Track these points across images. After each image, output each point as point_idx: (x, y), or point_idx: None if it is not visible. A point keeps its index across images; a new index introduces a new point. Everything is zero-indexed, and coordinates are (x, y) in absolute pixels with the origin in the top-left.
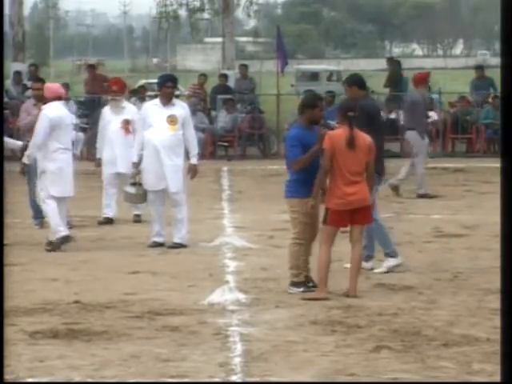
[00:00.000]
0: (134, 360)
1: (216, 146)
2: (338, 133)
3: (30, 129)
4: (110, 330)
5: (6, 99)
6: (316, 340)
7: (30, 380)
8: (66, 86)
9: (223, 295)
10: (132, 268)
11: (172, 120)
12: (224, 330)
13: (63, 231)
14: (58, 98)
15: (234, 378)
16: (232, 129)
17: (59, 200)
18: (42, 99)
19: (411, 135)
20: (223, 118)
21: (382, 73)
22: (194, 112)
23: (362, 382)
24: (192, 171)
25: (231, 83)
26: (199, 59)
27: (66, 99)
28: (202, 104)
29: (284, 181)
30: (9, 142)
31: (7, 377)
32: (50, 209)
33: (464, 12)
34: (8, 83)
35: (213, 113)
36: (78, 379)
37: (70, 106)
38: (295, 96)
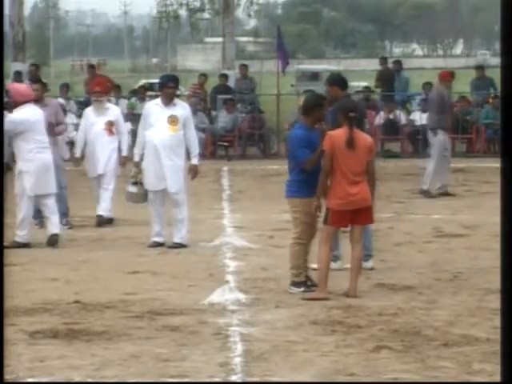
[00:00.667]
0: (134, 360)
1: (216, 145)
2: (338, 133)
3: None
4: (110, 329)
5: (6, 99)
6: (316, 340)
7: (30, 380)
8: (66, 86)
9: (223, 295)
10: (132, 268)
11: (173, 120)
12: (224, 329)
13: (22, 238)
14: (29, 101)
15: (234, 378)
16: (232, 129)
17: (40, 198)
18: (39, 100)
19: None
20: (223, 118)
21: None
22: (194, 112)
23: (361, 382)
24: (193, 171)
25: (231, 83)
26: (199, 59)
27: (67, 99)
28: (202, 104)
29: (284, 181)
30: None
31: (7, 377)
32: (25, 210)
33: (464, 12)
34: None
35: (213, 113)
36: (78, 379)
37: (71, 106)
38: (295, 96)
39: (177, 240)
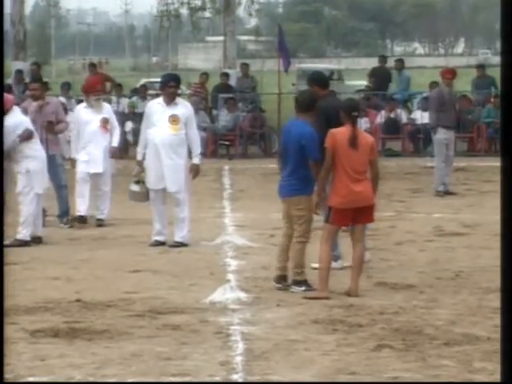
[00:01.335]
0: (134, 359)
1: (217, 144)
2: (341, 131)
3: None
4: (111, 328)
5: None
6: (317, 339)
7: (30, 379)
8: (68, 85)
9: (224, 294)
10: (133, 267)
11: (174, 119)
12: (225, 328)
13: (27, 236)
14: (12, 107)
15: (235, 377)
16: (233, 128)
17: (39, 196)
18: (38, 99)
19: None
20: (224, 117)
21: None
22: (195, 111)
23: (362, 382)
24: (194, 171)
25: (232, 82)
26: (200, 58)
27: (68, 98)
28: (204, 103)
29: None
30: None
31: (8, 375)
32: (33, 208)
33: (465, 11)
34: (9, 82)
35: (214, 112)
36: (78, 378)
37: (72, 105)
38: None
39: (178, 239)
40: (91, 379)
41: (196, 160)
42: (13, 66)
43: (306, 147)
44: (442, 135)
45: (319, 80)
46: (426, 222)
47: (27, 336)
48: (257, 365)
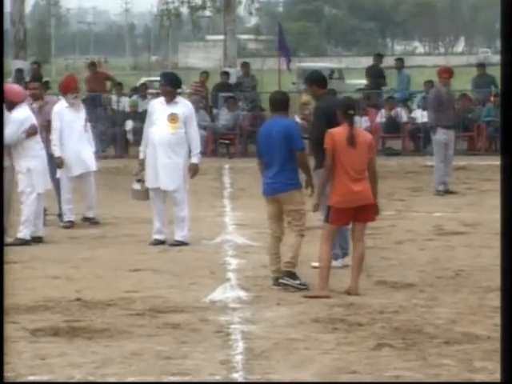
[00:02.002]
0: (135, 358)
1: (217, 143)
2: (339, 131)
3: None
4: (111, 327)
5: None
6: (317, 338)
7: (31, 378)
8: None
9: (224, 293)
10: (133, 266)
11: (173, 118)
12: (225, 327)
13: (28, 235)
14: (23, 100)
15: (235, 376)
16: (233, 126)
17: (41, 196)
18: (38, 98)
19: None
20: (224, 116)
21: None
22: (195, 110)
23: (363, 382)
24: (192, 170)
25: (233, 81)
26: (201, 57)
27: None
28: (204, 102)
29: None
30: None
31: (8, 374)
32: (34, 208)
33: (465, 10)
34: (9, 81)
35: (214, 110)
36: (78, 377)
37: None
38: (296, 94)
39: (178, 238)
40: (91, 378)
41: (195, 159)
42: (13, 65)
43: (290, 138)
44: (441, 135)
45: (318, 79)
46: (427, 221)
47: (27, 335)
48: (257, 364)
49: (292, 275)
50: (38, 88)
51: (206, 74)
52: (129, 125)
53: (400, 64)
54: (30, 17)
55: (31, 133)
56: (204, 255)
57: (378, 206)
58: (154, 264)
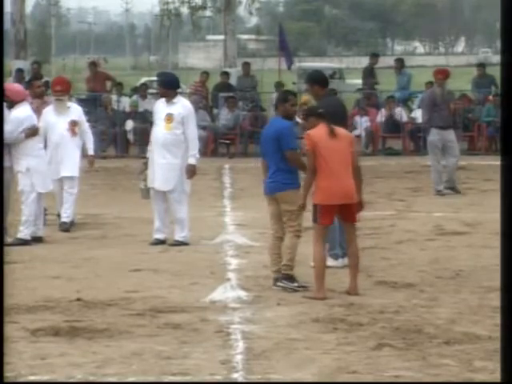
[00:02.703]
0: (135, 358)
1: (217, 143)
2: (317, 130)
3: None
4: (112, 327)
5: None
6: (318, 338)
7: (31, 378)
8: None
9: (225, 293)
10: (134, 266)
11: (168, 118)
12: (226, 327)
13: (28, 235)
14: (25, 99)
15: (235, 376)
16: (234, 126)
17: (41, 196)
18: (39, 97)
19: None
20: (225, 116)
21: (383, 70)
22: (195, 110)
23: (363, 382)
24: (189, 171)
25: (233, 81)
26: (201, 57)
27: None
28: (204, 102)
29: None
30: None
31: (8, 374)
32: (34, 208)
33: (465, 10)
34: (10, 81)
35: (214, 110)
36: (79, 377)
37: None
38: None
39: (178, 238)
40: (92, 378)
41: (191, 160)
42: (13, 64)
43: (280, 139)
44: (434, 136)
45: (319, 79)
46: (427, 221)
47: (28, 335)
48: (257, 364)
49: (289, 278)
50: (43, 85)
51: (206, 73)
52: (129, 125)
53: (399, 64)
54: (31, 17)
55: (31, 133)
56: (204, 255)
57: (363, 202)
58: (155, 264)
